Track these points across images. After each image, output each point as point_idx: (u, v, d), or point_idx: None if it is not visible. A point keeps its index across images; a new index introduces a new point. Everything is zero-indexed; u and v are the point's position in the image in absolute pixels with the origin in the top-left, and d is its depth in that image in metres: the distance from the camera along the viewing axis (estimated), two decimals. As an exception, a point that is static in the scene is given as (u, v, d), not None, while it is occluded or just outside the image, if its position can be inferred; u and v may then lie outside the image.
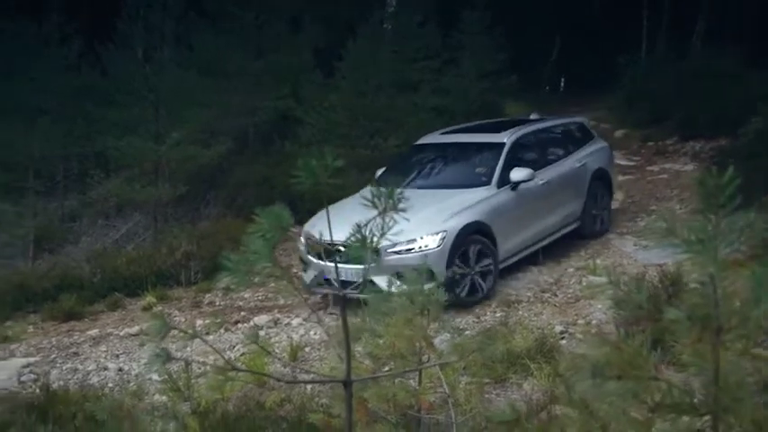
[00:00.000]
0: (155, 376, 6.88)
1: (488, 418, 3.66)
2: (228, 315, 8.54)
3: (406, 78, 12.95)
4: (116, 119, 12.28)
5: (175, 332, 2.01)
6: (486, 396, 5.63)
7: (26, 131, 12.31)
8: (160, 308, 8.93)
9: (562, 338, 6.71)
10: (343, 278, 8.34)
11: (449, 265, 7.52)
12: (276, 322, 8.11)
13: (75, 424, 5.09)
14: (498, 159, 8.69)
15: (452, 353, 3.56)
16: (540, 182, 8.87)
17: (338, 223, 8.21)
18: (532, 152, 9.32)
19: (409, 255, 7.46)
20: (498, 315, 7.55)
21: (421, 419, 3.92)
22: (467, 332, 7.05)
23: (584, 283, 8.18)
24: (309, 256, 8.16)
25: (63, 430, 4.18)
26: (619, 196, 11.84)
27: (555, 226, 9.15)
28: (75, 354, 7.84)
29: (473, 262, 7.80)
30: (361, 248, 1.70)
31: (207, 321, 8.34)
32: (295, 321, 8.09)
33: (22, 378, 7.23)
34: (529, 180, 8.53)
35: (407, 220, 1.75)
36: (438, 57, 13.70)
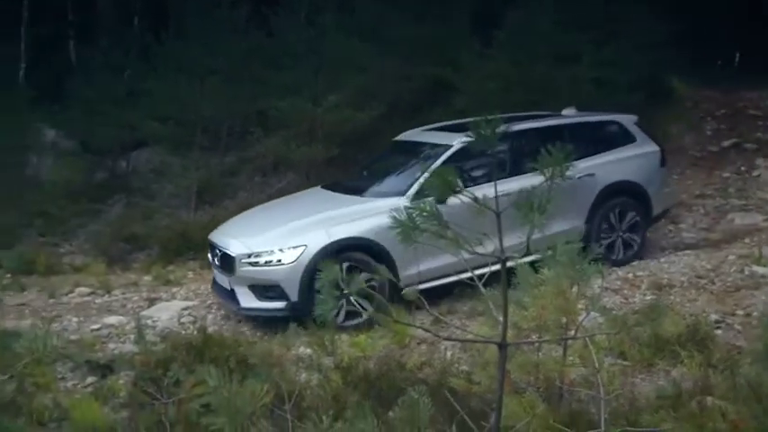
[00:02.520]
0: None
1: (629, 395, 3.57)
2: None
3: (567, 49, 12.50)
4: (278, 80, 12.71)
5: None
6: (631, 380, 5.46)
7: (196, 90, 13.02)
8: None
9: (717, 328, 6.37)
10: (220, 284, 8.17)
11: (307, 283, 6.76)
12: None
13: (229, 366, 5.40)
14: (431, 166, 7.49)
15: (601, 329, 3.48)
16: (493, 196, 7.48)
17: (241, 230, 8.06)
18: (501, 158, 7.83)
19: (265, 267, 6.95)
20: (648, 298, 7.26)
21: (563, 394, 3.87)
22: (613, 312, 6.86)
23: (747, 273, 7.70)
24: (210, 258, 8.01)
25: (218, 370, 4.45)
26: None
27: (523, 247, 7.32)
28: (229, 301, 8.29)
29: (345, 284, 6.98)
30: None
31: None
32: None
33: (182, 319, 7.76)
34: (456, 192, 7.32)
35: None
36: (601, 27, 13.12)
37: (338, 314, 6.61)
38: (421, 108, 13.48)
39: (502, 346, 1.82)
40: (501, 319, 1.85)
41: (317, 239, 7.01)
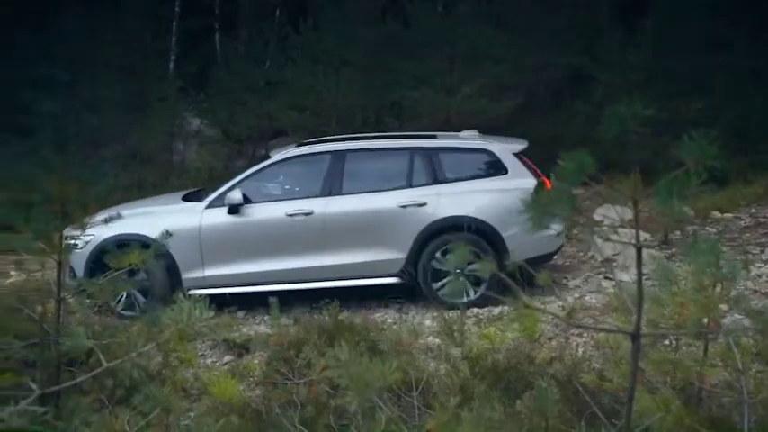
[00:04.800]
0: (427, 322, 7.22)
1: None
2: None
3: (719, 36, 11.78)
4: (413, 70, 12.79)
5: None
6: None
7: (332, 80, 13.32)
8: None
9: None
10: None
11: (91, 270, 7.16)
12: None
13: (359, 350, 5.51)
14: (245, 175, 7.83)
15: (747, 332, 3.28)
16: (292, 213, 7.51)
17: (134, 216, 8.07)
18: (320, 176, 7.68)
19: (78, 249, 7.03)
20: (806, 302, 6.77)
21: (702, 396, 3.68)
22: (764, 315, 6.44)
23: None
24: None
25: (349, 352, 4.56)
26: None
27: (331, 271, 7.53)
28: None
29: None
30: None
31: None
32: (572, 283, 8.02)
33: (314, 305, 7.98)
34: (238, 205, 7.48)
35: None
36: (760, 10, 12.18)
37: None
38: (559, 99, 13.18)
39: (635, 336, 1.75)
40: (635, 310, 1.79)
41: (105, 231, 7.15)
